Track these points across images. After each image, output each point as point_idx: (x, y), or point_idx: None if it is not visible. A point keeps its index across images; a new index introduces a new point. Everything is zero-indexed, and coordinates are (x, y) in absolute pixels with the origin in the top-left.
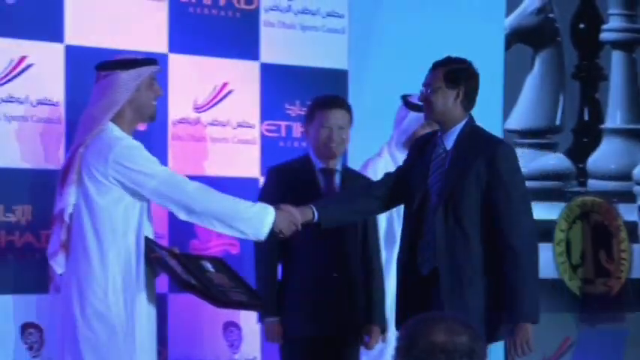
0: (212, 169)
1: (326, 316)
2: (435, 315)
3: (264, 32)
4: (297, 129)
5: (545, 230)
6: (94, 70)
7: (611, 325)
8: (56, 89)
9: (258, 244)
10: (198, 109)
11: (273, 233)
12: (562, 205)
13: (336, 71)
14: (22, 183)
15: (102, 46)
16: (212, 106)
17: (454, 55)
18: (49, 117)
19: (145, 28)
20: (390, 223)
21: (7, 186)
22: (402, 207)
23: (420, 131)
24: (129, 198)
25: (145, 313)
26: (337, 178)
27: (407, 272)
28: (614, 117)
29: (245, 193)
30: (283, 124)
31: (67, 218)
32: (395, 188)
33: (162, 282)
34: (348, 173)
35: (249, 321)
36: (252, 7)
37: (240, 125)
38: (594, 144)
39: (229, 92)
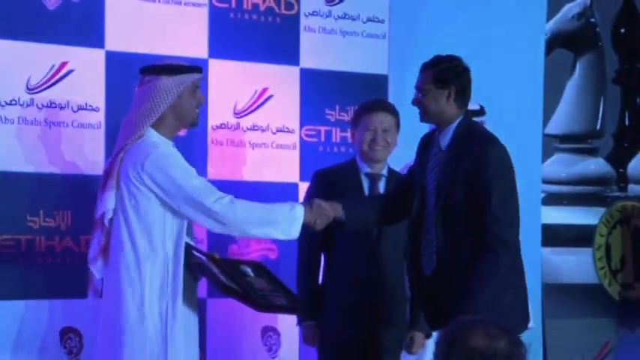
0: (251, 175)
1: (365, 320)
2: (474, 320)
3: (305, 37)
4: (337, 134)
5: (585, 235)
6: (137, 73)
7: None
8: (97, 95)
9: (300, 251)
10: (237, 114)
11: (306, 228)
12: (602, 210)
13: (376, 76)
14: (62, 188)
15: (142, 52)
16: (252, 112)
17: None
18: (90, 122)
19: (185, 33)
20: None
21: (47, 191)
22: None
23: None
24: (166, 206)
25: (184, 322)
26: (382, 183)
27: (412, 273)
28: None
29: (284, 198)
30: (323, 129)
31: (107, 223)
32: (409, 191)
33: (202, 287)
34: (393, 178)
35: (287, 326)
36: (293, 12)
37: (279, 130)
38: (635, 149)
39: (269, 97)
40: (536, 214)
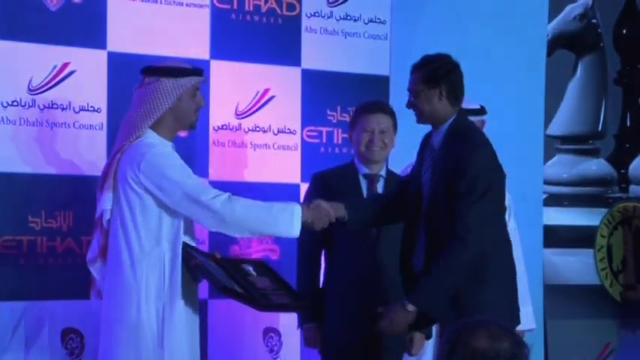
0: (253, 175)
1: (366, 321)
2: (476, 321)
3: (306, 38)
4: (339, 135)
5: (587, 236)
6: (139, 73)
7: None
8: (99, 96)
9: (300, 252)
10: (239, 115)
11: (305, 229)
12: (604, 211)
13: (378, 77)
14: (63, 189)
15: (144, 53)
16: (253, 113)
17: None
18: (92, 123)
19: (186, 34)
20: None
21: (48, 192)
22: None
23: None
24: (163, 206)
25: (182, 323)
26: (381, 184)
27: (404, 273)
28: None
29: (286, 199)
30: (324, 130)
31: (105, 224)
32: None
33: (203, 288)
34: (392, 178)
35: (289, 327)
36: (294, 13)
37: (281, 131)
38: (636, 150)
39: (271, 98)
40: (537, 215)
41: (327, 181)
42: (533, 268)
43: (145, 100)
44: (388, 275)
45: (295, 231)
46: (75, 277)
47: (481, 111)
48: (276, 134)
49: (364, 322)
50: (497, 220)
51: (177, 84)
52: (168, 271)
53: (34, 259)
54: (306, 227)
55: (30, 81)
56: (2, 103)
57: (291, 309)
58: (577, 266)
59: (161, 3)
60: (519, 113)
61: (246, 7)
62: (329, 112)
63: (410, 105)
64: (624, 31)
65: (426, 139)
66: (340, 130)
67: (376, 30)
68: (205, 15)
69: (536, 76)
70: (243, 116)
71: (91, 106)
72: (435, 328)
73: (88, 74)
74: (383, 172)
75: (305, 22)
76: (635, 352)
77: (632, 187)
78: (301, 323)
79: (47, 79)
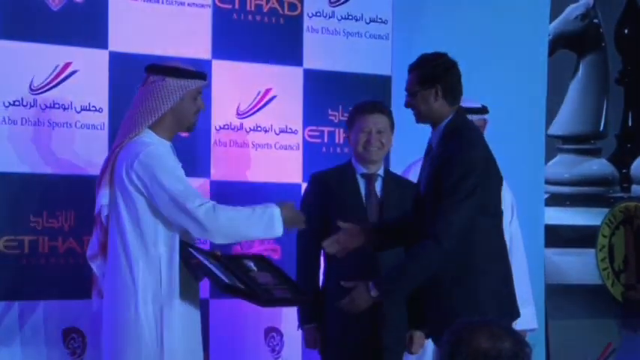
0: (254, 175)
1: (367, 321)
2: (478, 321)
3: (308, 38)
4: (340, 135)
5: (588, 236)
6: (141, 72)
7: None
8: (100, 96)
9: (299, 252)
10: (241, 115)
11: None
12: (605, 210)
13: (380, 77)
14: (65, 189)
15: (146, 53)
16: (255, 112)
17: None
18: (93, 123)
19: (188, 34)
20: None
21: (50, 192)
22: None
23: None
24: (153, 206)
25: (182, 323)
26: (379, 184)
27: None
28: None
29: (287, 198)
30: (326, 129)
31: (104, 220)
32: None
33: (204, 288)
34: (390, 178)
35: (290, 326)
36: (296, 13)
37: (282, 131)
38: (638, 150)
39: (272, 98)
40: (539, 215)
41: (326, 181)
42: (534, 267)
43: (148, 98)
44: None
45: (278, 231)
46: (76, 277)
47: (482, 110)
48: (277, 134)
49: (364, 322)
50: (484, 221)
51: (181, 85)
52: (165, 272)
53: (36, 259)
54: (304, 228)
55: (31, 81)
56: (4, 103)
57: (294, 303)
58: (578, 266)
59: (163, 3)
60: (521, 113)
61: (248, 7)
62: (330, 112)
63: (408, 105)
64: (626, 31)
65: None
66: (342, 130)
67: (378, 30)
68: (207, 15)
69: (537, 76)
70: (244, 116)
71: (93, 106)
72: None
73: (89, 74)
74: (381, 172)
75: (307, 22)
76: (636, 351)
77: (634, 187)
78: (301, 324)
79: (49, 79)
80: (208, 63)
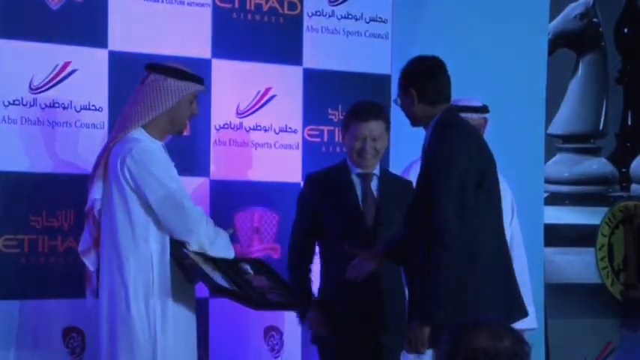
0: (254, 174)
1: (365, 320)
2: (478, 320)
3: (308, 37)
4: (340, 134)
5: (588, 235)
6: (141, 72)
7: None
8: (100, 95)
9: (291, 249)
10: (240, 114)
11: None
12: (605, 209)
13: (380, 76)
14: (64, 188)
15: (145, 52)
16: (255, 112)
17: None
18: (93, 122)
19: (188, 33)
20: None
21: (49, 191)
22: None
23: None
24: (147, 203)
25: (176, 321)
26: (374, 183)
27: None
28: None
29: (287, 198)
30: (326, 129)
31: (96, 214)
32: None
33: (204, 287)
34: (387, 177)
35: (290, 325)
36: (296, 12)
37: (282, 130)
38: (637, 148)
39: (272, 97)
40: (538, 214)
41: (321, 181)
42: (534, 267)
43: (147, 96)
44: (384, 274)
45: (232, 254)
46: (76, 277)
47: (482, 109)
48: (277, 133)
49: (363, 320)
50: (478, 220)
51: (181, 86)
52: (156, 269)
53: (35, 258)
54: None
55: (31, 80)
56: (3, 102)
57: (288, 307)
58: (578, 265)
59: (162, 2)
60: (520, 112)
61: (248, 6)
62: (330, 111)
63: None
64: (625, 30)
65: None
66: (341, 129)
67: (377, 29)
68: (207, 14)
69: (537, 75)
70: (244, 115)
71: (93, 105)
72: None
73: (89, 73)
74: (376, 171)
75: (306, 21)
76: (636, 351)
77: (633, 186)
78: (301, 319)
79: (48, 78)
80: (208, 62)
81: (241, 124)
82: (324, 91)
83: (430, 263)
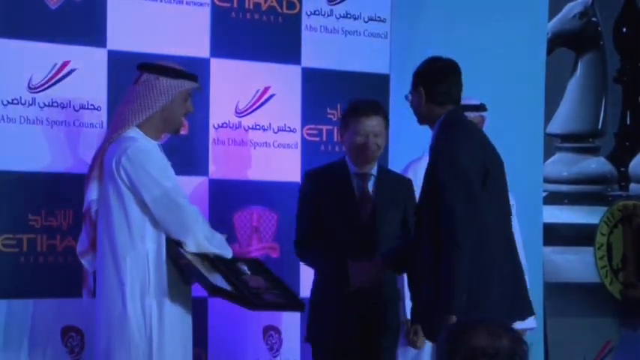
0: (253, 174)
1: (362, 317)
2: (476, 319)
3: (306, 37)
4: (338, 133)
5: (587, 234)
6: (136, 69)
7: None
8: (99, 94)
9: (299, 245)
10: (239, 113)
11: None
12: (603, 209)
13: (378, 75)
14: (63, 187)
15: (144, 51)
16: (253, 111)
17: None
18: (92, 122)
19: (187, 32)
20: None
21: (48, 190)
22: None
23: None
24: (143, 202)
25: (172, 321)
26: (371, 182)
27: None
28: None
29: (286, 197)
30: (324, 128)
31: (93, 215)
32: None
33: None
34: (385, 175)
35: (289, 325)
36: (295, 11)
37: (281, 129)
38: (636, 148)
39: (271, 97)
40: (537, 214)
41: (320, 178)
42: (533, 266)
43: (140, 96)
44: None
45: (230, 252)
46: (75, 276)
47: (479, 107)
48: (276, 132)
49: (358, 320)
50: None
51: (174, 84)
52: (153, 268)
53: (34, 258)
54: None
55: (30, 79)
56: (2, 102)
57: (285, 307)
58: (577, 264)
59: (161, 1)
60: (519, 111)
61: (247, 5)
62: (329, 111)
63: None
64: (624, 30)
65: None
66: (339, 128)
67: (376, 28)
68: (205, 13)
69: (536, 75)
70: (243, 114)
71: (91, 105)
72: None
73: (88, 72)
74: (374, 171)
75: (305, 21)
76: (635, 350)
77: (632, 185)
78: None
79: (47, 78)
80: (207, 61)
81: (240, 123)
82: (322, 90)
83: (442, 262)
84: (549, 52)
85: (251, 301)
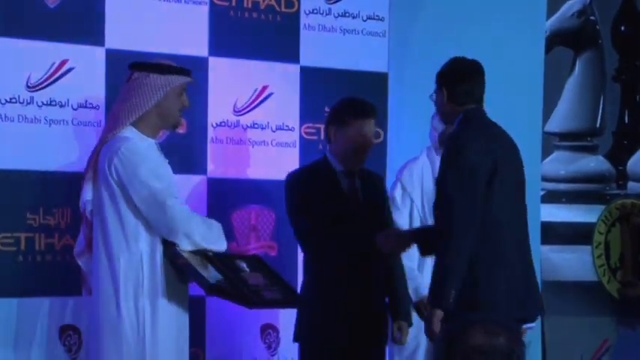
0: (251, 172)
1: (354, 317)
2: (473, 318)
3: (305, 35)
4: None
5: (584, 233)
6: (127, 68)
7: None
8: (97, 93)
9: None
10: (237, 112)
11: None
12: (601, 207)
13: (377, 74)
14: (61, 186)
15: (142, 50)
16: (252, 109)
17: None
18: (90, 120)
19: (185, 31)
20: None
21: (46, 189)
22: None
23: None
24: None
25: (167, 322)
26: (358, 181)
27: None
28: None
29: (284, 196)
30: (323, 127)
31: (88, 215)
32: None
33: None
34: (365, 174)
35: (287, 323)
36: (293, 10)
37: (279, 128)
38: (634, 146)
39: (269, 95)
40: (535, 212)
41: (306, 179)
42: None
43: (132, 95)
44: (371, 272)
45: (223, 247)
46: (73, 274)
47: None
48: (274, 131)
49: (351, 319)
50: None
51: (165, 81)
52: (147, 269)
53: (32, 256)
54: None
55: (28, 78)
56: (0, 100)
57: (283, 304)
58: (575, 263)
59: (159, 0)
60: (517, 110)
61: (245, 4)
62: (327, 109)
63: None
64: (622, 28)
65: None
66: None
67: (374, 27)
68: (204, 12)
69: (534, 73)
70: (241, 113)
71: (90, 103)
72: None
73: (86, 71)
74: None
75: (303, 19)
76: (632, 348)
77: (630, 184)
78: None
79: (45, 76)
80: (205, 60)
81: (238, 121)
82: (321, 89)
83: (437, 254)
84: (547, 50)
85: (250, 300)
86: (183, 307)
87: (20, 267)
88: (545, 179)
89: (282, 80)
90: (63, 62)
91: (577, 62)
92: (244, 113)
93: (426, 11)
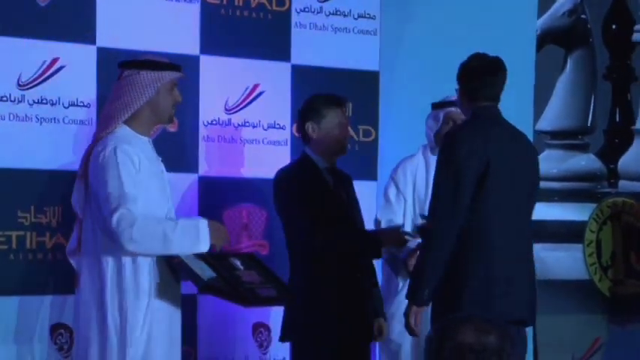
0: (243, 171)
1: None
2: (463, 315)
3: (296, 34)
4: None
5: (576, 231)
6: (117, 67)
7: None
8: (88, 91)
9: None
10: (229, 110)
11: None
12: (593, 205)
13: (368, 73)
14: (52, 184)
15: (133, 48)
16: (243, 108)
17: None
18: (81, 119)
19: (176, 29)
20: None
21: (38, 187)
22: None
23: (444, 129)
24: None
25: (155, 322)
26: (335, 177)
27: None
28: None
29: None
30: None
31: (80, 215)
32: None
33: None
34: (337, 172)
35: (278, 322)
36: (284, 8)
37: (270, 127)
38: (625, 145)
39: (260, 94)
40: None
41: (298, 179)
42: None
43: (123, 93)
44: (367, 271)
45: (204, 246)
46: (64, 273)
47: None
48: (265, 129)
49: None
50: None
51: (156, 77)
52: (129, 265)
53: (24, 255)
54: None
55: (19, 76)
56: None
57: (278, 302)
58: (566, 261)
59: None
60: (508, 108)
61: (236, 3)
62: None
63: None
64: (613, 27)
65: None
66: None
67: (366, 25)
68: (195, 10)
69: (525, 72)
70: (232, 111)
71: (81, 102)
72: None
73: (77, 70)
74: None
75: (295, 18)
76: (624, 347)
77: (622, 182)
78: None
79: (36, 75)
80: (196, 58)
81: (230, 120)
82: (312, 87)
83: (420, 254)
84: (539, 49)
85: (245, 298)
86: (175, 305)
87: (11, 265)
88: None
89: (273, 78)
90: (54, 60)
91: (568, 61)
92: (236, 111)
93: (417, 9)
